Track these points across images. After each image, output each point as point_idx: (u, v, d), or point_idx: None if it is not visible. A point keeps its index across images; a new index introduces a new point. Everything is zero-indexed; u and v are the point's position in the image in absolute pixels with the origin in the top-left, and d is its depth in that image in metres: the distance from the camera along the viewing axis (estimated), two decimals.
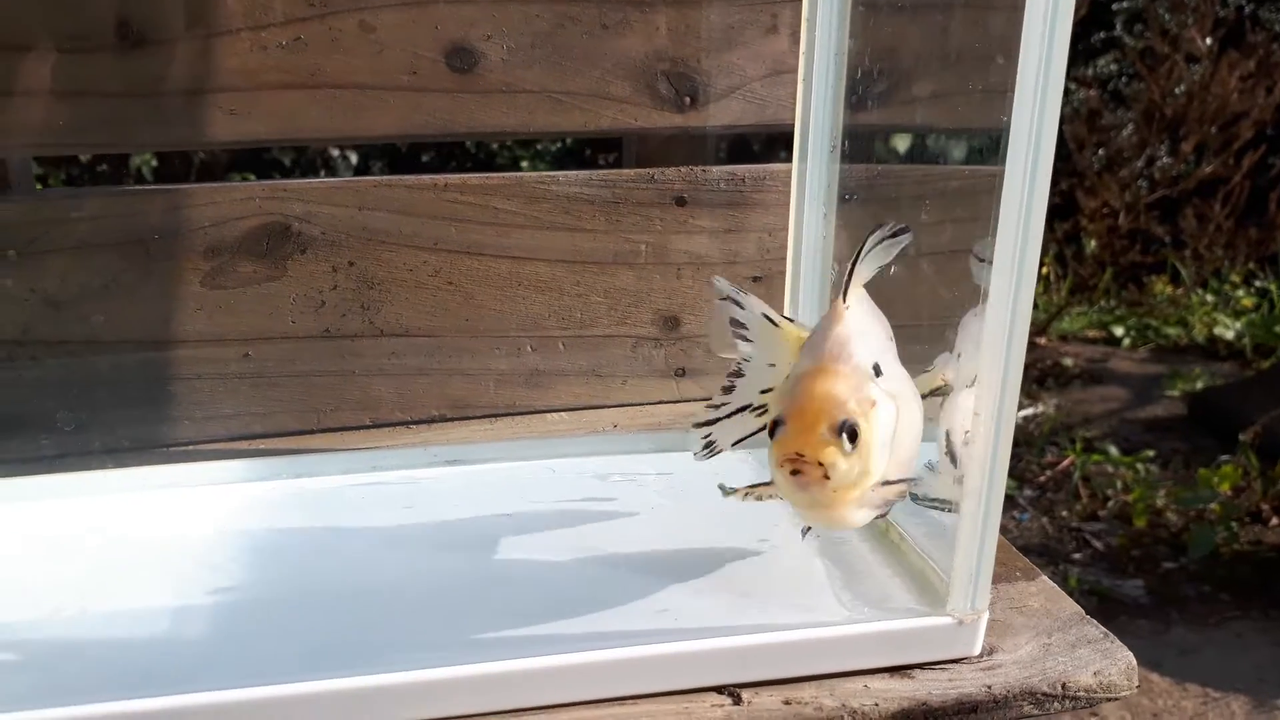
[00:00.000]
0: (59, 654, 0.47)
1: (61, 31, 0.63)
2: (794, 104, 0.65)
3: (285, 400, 0.72)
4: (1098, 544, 1.89)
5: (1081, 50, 2.97)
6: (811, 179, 0.63)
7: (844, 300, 0.47)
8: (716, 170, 0.74)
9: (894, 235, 0.48)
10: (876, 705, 0.46)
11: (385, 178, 0.71)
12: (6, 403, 0.68)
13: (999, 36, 0.48)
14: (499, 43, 0.69)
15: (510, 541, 0.56)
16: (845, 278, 0.47)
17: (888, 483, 0.46)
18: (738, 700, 0.46)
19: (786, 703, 0.46)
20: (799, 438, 0.44)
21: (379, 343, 0.74)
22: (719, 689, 0.46)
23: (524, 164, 2.40)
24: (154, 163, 2.16)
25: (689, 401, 0.79)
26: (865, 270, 0.48)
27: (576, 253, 0.75)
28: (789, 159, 0.66)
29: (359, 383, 0.73)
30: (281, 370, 0.72)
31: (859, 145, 0.61)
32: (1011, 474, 2.11)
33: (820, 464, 0.44)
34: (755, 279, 0.77)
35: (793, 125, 0.66)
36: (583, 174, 0.73)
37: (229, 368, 0.71)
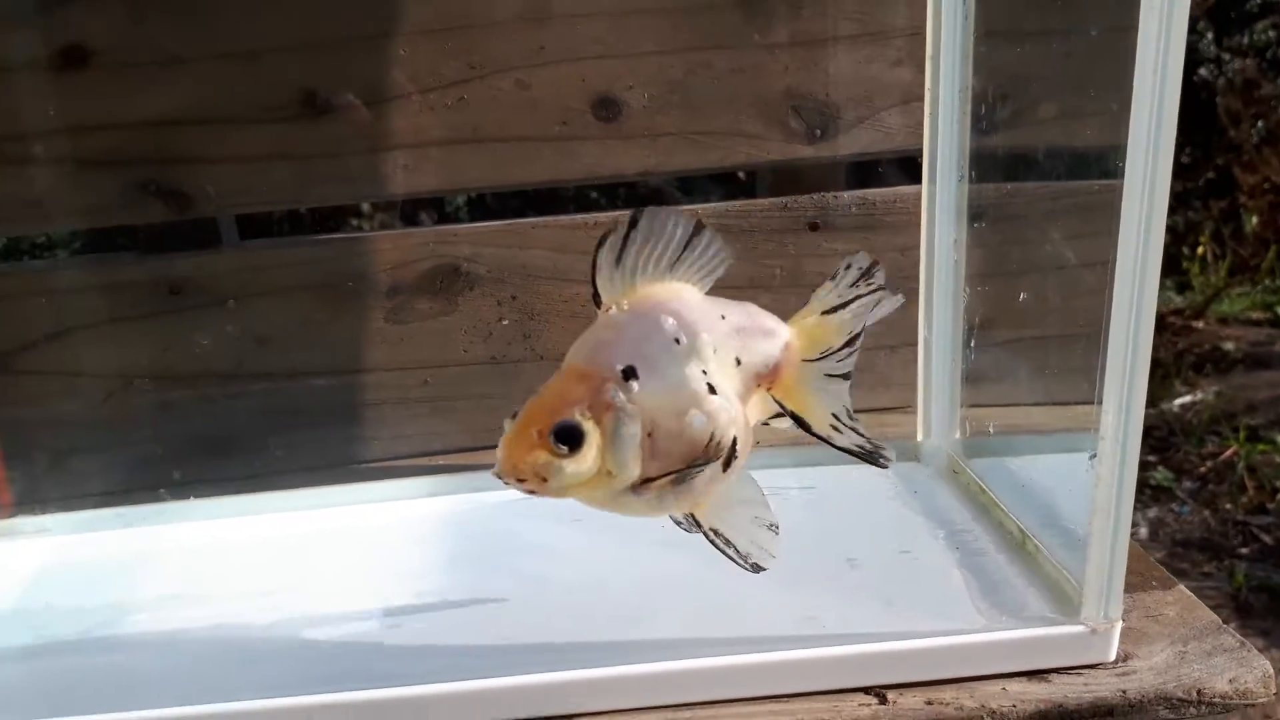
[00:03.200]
0: (273, 652, 0.54)
1: (258, 104, 0.73)
2: (922, 131, 0.68)
3: (460, 421, 0.80)
4: (1266, 538, 1.81)
5: (1235, 18, 2.82)
6: (940, 204, 0.66)
7: (597, 306, 0.47)
8: (848, 195, 0.78)
9: (630, 226, 0.46)
10: (1014, 706, 0.50)
11: (541, 219, 0.78)
12: (224, 428, 0.78)
13: (1118, 54, 0.50)
14: (640, 91, 0.75)
15: (664, 552, 0.62)
16: (592, 286, 0.47)
17: (679, 476, 0.46)
18: (884, 700, 0.50)
19: (929, 703, 0.50)
20: (509, 446, 0.44)
21: (540, 367, 0.80)
22: (866, 690, 0.51)
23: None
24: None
25: None
26: (628, 271, 0.47)
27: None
28: (918, 181, 0.69)
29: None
30: (456, 394, 0.80)
31: (986, 168, 0.64)
32: (1169, 465, 2.04)
33: (532, 469, 0.43)
34: None
35: (922, 149, 0.69)
36: (719, 206, 0.78)
37: (410, 393, 0.79)
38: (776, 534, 0.51)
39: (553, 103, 0.74)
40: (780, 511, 0.66)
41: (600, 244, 0.47)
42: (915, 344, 0.80)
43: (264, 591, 0.60)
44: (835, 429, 0.52)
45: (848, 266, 0.52)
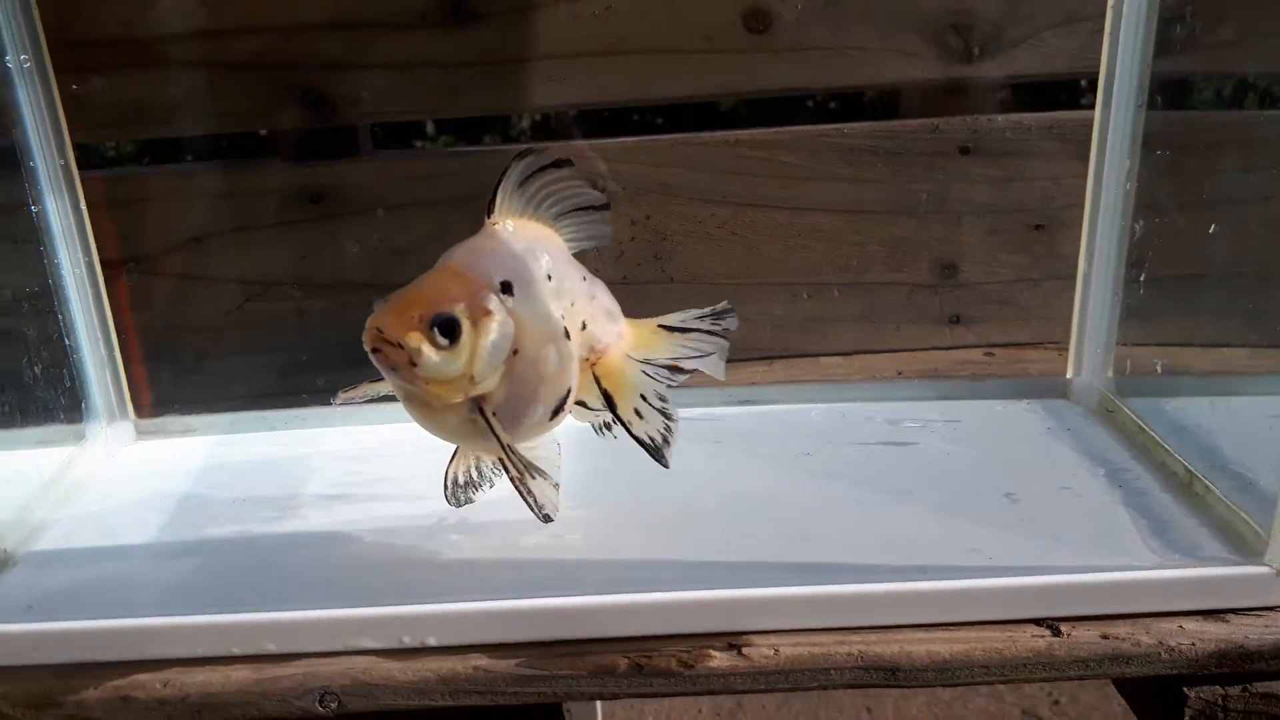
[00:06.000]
0: (425, 559, 0.54)
1: (404, 10, 0.71)
2: (1085, 53, 0.64)
3: None
4: None
5: None
6: (1115, 130, 0.63)
7: (488, 216, 0.49)
8: (1003, 119, 0.75)
9: (553, 165, 0.49)
10: (1193, 645, 0.48)
11: (681, 135, 0.76)
12: (355, 340, 0.78)
13: None
14: (793, 2, 0.72)
15: (818, 479, 0.61)
16: (491, 196, 0.48)
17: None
18: (1057, 632, 0.49)
19: (1104, 637, 0.49)
20: (386, 316, 0.44)
21: (669, 289, 0.79)
22: (1038, 621, 0.50)
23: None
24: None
25: (963, 348, 0.81)
26: (532, 198, 0.49)
27: (856, 202, 0.78)
28: (1080, 106, 0.66)
29: None
30: None
31: (1173, 94, 0.61)
32: None
33: (401, 346, 0.44)
34: (1037, 227, 0.78)
35: (1083, 74, 0.66)
36: (867, 125, 0.76)
37: None
38: (558, 491, 0.52)
39: (701, 13, 0.72)
40: (927, 444, 0.66)
41: (521, 156, 0.49)
42: (1060, 277, 0.77)
43: (408, 496, 0.60)
44: (638, 413, 0.52)
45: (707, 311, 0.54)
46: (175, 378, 0.74)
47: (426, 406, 0.48)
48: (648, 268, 0.78)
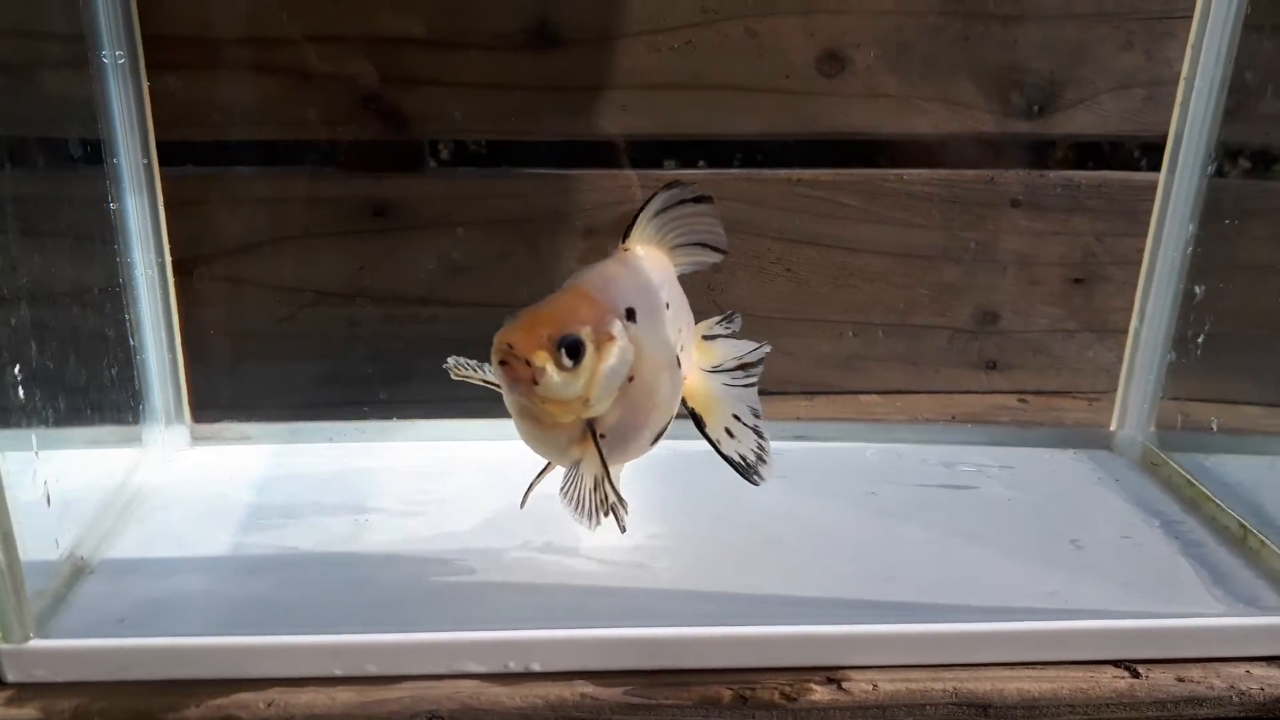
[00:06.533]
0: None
1: (488, 31, 0.72)
2: (1137, 118, 0.67)
3: None
4: None
5: None
6: (1178, 196, 0.66)
7: (623, 242, 0.50)
8: (1054, 175, 0.78)
9: (695, 200, 0.51)
10: (1262, 690, 0.51)
11: (745, 170, 0.78)
12: (410, 354, 0.77)
13: None
14: (867, 50, 0.74)
15: (888, 518, 0.62)
16: (630, 223, 0.50)
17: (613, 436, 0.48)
18: (1135, 674, 0.51)
19: (1179, 680, 0.51)
20: (516, 332, 0.45)
21: None
22: (1116, 663, 0.52)
23: None
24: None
25: (997, 393, 0.84)
26: (663, 226, 0.51)
27: (908, 246, 0.80)
28: (1126, 168, 0.69)
29: None
30: None
31: (1240, 162, 0.64)
32: None
33: (529, 363, 0.44)
34: (1076, 280, 0.81)
35: (1134, 136, 0.69)
36: (926, 173, 0.78)
37: None
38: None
39: (779, 54, 0.73)
40: (987, 489, 0.67)
41: (668, 187, 0.50)
42: (1093, 330, 0.81)
43: (485, 515, 0.60)
44: (729, 432, 0.53)
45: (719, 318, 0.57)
46: (229, 383, 0.73)
47: (538, 423, 0.48)
48: (700, 297, 0.78)
